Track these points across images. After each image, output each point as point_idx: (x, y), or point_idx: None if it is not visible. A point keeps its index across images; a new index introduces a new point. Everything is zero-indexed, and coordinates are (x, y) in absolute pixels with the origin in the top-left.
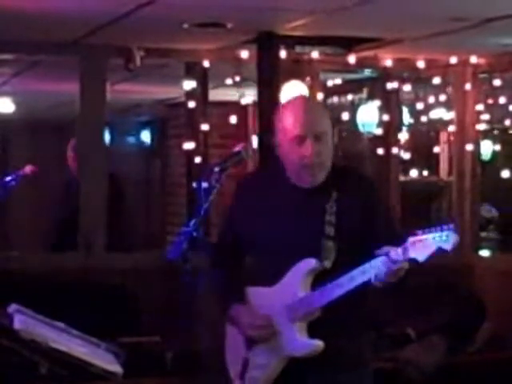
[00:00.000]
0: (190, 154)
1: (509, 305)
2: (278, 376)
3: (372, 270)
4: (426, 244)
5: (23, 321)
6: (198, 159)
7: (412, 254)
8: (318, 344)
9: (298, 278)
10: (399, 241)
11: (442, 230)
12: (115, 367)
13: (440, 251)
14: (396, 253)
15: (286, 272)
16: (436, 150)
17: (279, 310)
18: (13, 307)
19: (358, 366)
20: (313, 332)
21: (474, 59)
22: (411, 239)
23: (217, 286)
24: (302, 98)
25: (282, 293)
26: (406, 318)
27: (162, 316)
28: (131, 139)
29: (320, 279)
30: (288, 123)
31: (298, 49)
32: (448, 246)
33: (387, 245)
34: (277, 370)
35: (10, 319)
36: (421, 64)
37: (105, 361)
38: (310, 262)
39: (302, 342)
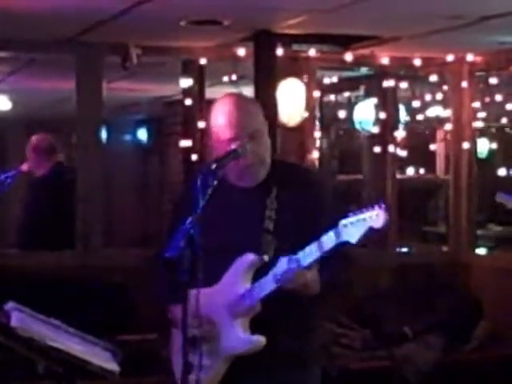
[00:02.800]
0: (187, 152)
1: (505, 303)
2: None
3: (306, 258)
4: (357, 225)
5: (20, 318)
6: (194, 157)
7: (345, 237)
8: (259, 340)
9: (237, 274)
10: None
11: (372, 210)
12: (112, 365)
13: (371, 231)
14: (329, 237)
15: (226, 270)
16: (433, 147)
17: (220, 309)
18: (10, 305)
19: (300, 366)
20: (255, 329)
21: (470, 57)
22: (343, 222)
23: (158, 287)
24: (231, 97)
25: (222, 291)
26: (403, 317)
27: (160, 314)
28: (128, 137)
29: (261, 274)
30: (220, 126)
31: (295, 47)
32: (378, 225)
33: None
34: (221, 371)
35: (7, 317)
36: (417, 62)
37: (102, 359)
38: (249, 257)
39: (243, 339)
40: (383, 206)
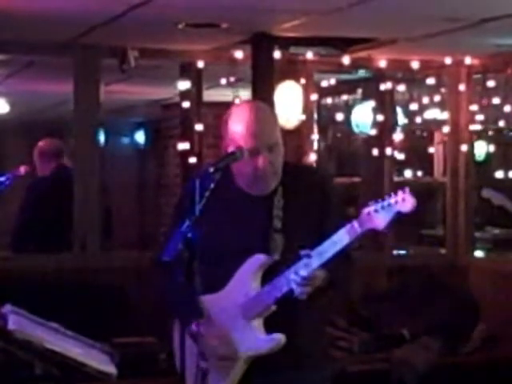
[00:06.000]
0: (185, 155)
1: (503, 305)
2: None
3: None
4: (383, 212)
5: (18, 321)
6: (192, 160)
7: (369, 225)
8: (280, 338)
9: (247, 276)
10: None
11: (396, 195)
12: (110, 368)
13: (398, 215)
14: (352, 226)
15: (235, 272)
16: (430, 150)
17: (232, 312)
18: (7, 308)
19: (312, 365)
20: (268, 329)
21: (468, 60)
22: (365, 210)
23: (165, 296)
24: (253, 106)
25: (233, 293)
26: (400, 319)
27: (157, 317)
28: (126, 140)
29: (270, 273)
30: (239, 135)
31: (293, 49)
32: (406, 209)
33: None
34: (239, 372)
35: (4, 320)
36: (415, 64)
37: (99, 361)
38: (259, 258)
39: (263, 339)
40: (407, 189)
